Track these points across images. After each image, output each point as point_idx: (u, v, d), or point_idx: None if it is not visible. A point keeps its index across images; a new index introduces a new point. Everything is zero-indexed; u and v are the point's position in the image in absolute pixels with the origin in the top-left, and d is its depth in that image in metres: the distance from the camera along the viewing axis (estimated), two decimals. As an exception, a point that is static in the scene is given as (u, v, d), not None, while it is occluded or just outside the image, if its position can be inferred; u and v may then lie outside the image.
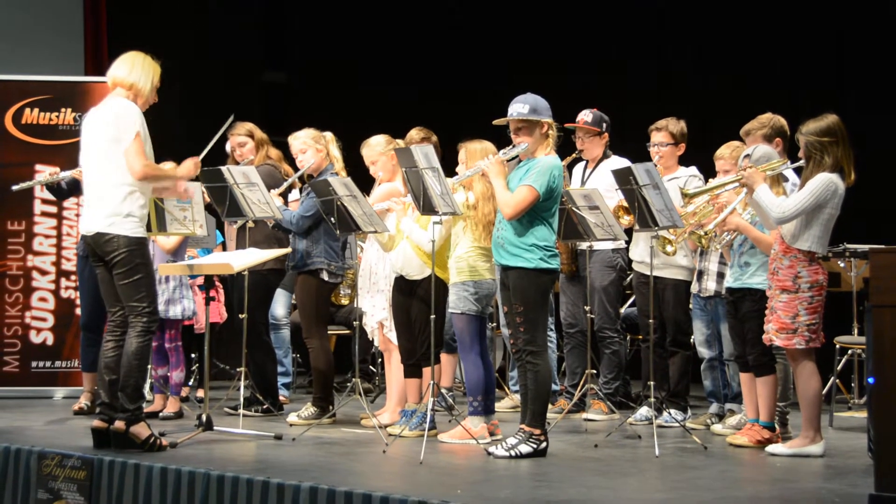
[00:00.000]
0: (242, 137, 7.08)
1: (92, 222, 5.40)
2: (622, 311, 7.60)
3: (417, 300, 6.07)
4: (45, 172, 7.04)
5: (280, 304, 7.81)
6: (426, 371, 6.03)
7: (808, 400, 5.36)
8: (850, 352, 7.46)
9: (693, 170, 6.74)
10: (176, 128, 8.31)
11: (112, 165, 5.35)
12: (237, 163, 6.99)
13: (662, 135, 6.75)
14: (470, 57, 10.04)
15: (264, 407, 6.73)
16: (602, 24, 9.60)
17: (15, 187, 7.39)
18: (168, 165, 6.58)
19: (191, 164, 5.70)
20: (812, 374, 5.36)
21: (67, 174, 7.06)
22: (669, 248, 6.31)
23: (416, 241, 6.02)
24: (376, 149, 6.60)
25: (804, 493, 4.67)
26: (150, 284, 5.46)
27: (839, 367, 7.30)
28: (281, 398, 7.45)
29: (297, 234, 6.61)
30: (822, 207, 5.26)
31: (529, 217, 5.33)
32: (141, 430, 5.36)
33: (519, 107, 5.41)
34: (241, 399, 6.38)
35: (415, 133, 6.63)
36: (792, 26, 8.77)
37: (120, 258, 5.33)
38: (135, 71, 5.49)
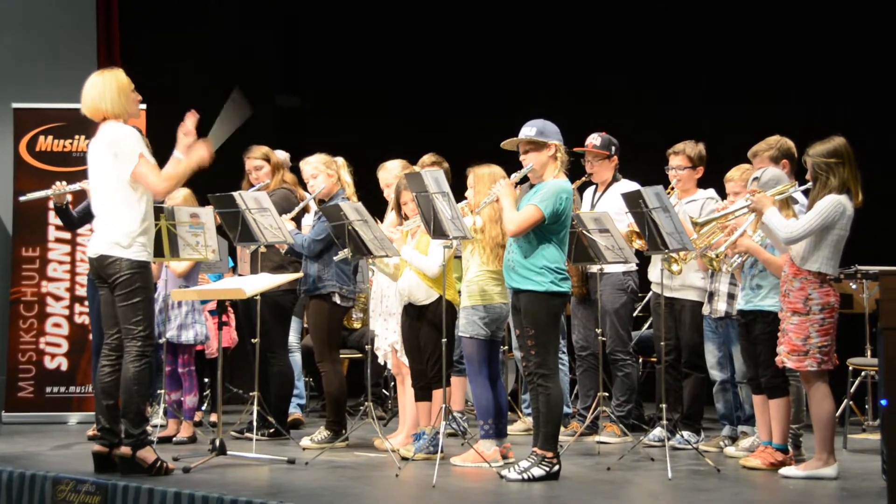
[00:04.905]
0: (259, 161, 7.06)
1: (98, 245, 5.44)
2: (638, 333, 7.59)
3: (426, 324, 6.09)
4: (54, 184, 7.01)
5: (291, 329, 7.82)
6: (436, 394, 6.04)
7: (822, 422, 5.34)
8: (863, 373, 7.42)
9: (711, 192, 6.74)
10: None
11: (115, 191, 5.39)
12: (252, 185, 7.01)
13: (680, 158, 6.75)
14: (484, 85, 10.06)
15: (271, 431, 6.73)
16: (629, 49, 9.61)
17: (22, 198, 7.36)
18: (183, 191, 6.63)
19: (202, 150, 5.50)
20: (825, 397, 5.34)
21: (75, 186, 6.97)
22: (675, 268, 6.32)
23: (418, 267, 6.05)
24: (392, 172, 6.65)
25: (818, 516, 4.67)
26: (148, 309, 5.48)
27: (852, 389, 7.27)
28: (295, 415, 7.45)
29: (308, 258, 6.64)
30: (831, 228, 5.27)
31: (539, 239, 5.35)
32: (147, 454, 5.38)
33: (527, 129, 5.47)
34: (254, 422, 6.38)
35: (427, 158, 6.69)
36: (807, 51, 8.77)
37: (121, 280, 5.37)
38: (103, 98, 5.47)
